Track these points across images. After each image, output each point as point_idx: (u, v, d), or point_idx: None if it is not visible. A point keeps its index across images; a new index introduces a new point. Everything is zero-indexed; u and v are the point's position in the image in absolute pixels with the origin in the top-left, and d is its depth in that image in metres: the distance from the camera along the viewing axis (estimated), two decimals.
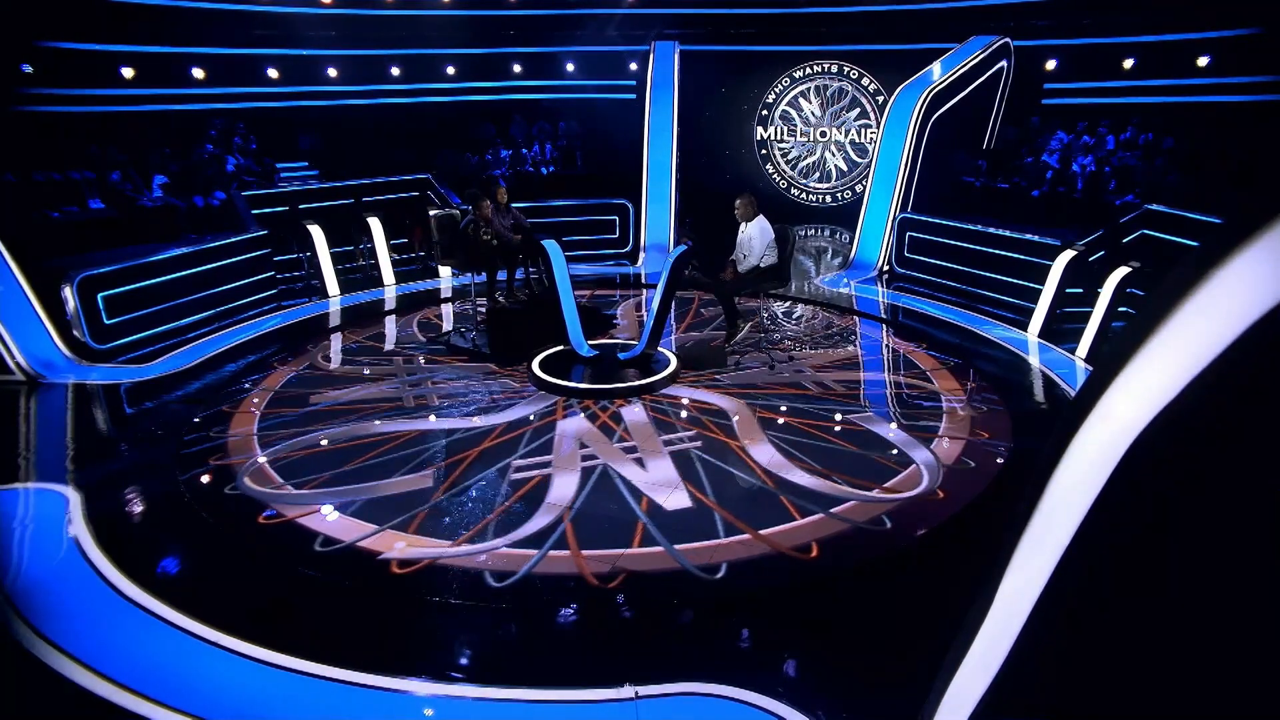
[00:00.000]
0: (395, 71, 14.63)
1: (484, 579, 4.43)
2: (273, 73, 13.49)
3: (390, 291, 11.23)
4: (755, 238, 7.53)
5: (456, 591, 4.32)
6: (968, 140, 13.37)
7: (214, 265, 9.66)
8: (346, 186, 12.34)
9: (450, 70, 15.03)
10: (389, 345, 8.80)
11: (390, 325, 9.63)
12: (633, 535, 4.85)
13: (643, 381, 7.21)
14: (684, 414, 6.74)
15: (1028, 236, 9.99)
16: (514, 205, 9.07)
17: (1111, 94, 13.03)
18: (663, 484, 5.50)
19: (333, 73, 14.08)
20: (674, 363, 7.57)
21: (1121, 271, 7.85)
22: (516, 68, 15.51)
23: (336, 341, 8.99)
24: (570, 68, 15.74)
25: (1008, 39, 13.34)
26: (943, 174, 12.79)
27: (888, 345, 8.79)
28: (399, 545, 4.77)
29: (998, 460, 5.88)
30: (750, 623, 4.09)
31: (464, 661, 3.84)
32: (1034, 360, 8.24)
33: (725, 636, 3.99)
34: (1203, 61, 11.63)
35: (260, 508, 5.25)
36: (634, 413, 6.75)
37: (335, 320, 9.90)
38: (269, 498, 5.37)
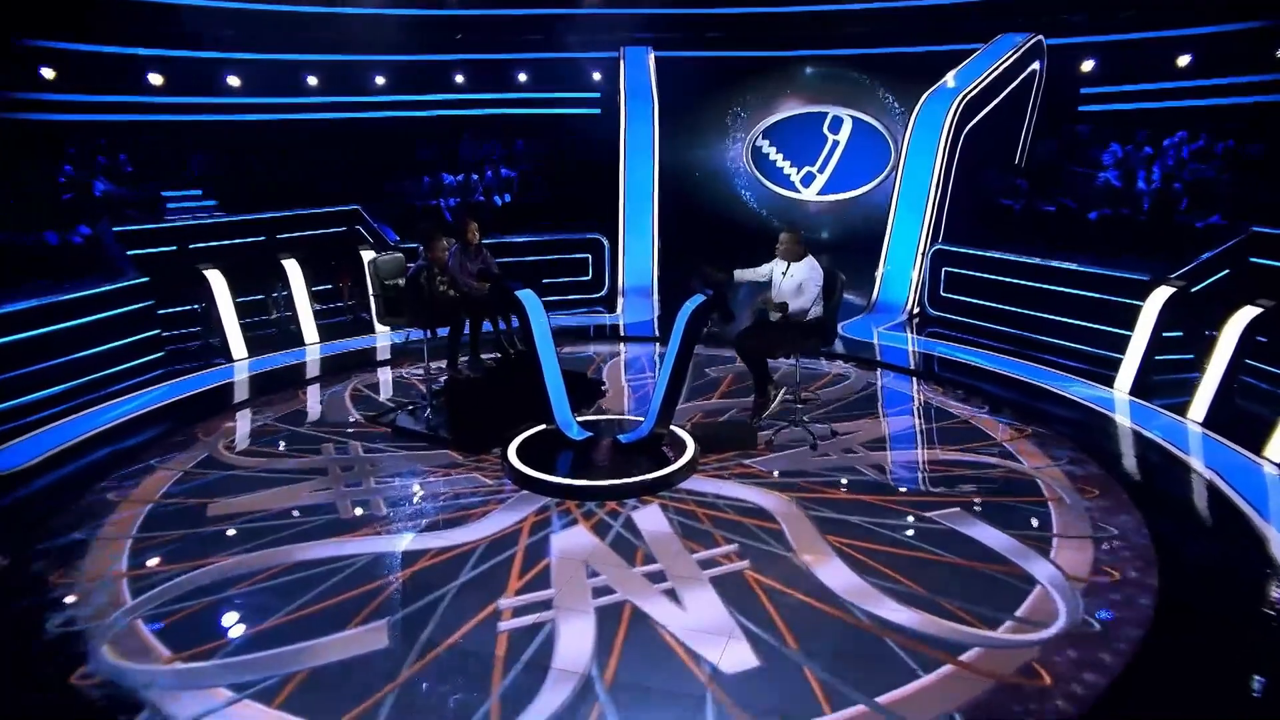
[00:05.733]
0: (312, 81, 13.98)
1: None
2: (156, 78, 12.58)
3: (313, 353, 10.43)
4: (809, 280, 6.76)
5: None
6: (1000, 156, 12.86)
7: (74, 323, 8.73)
8: (255, 221, 11.61)
9: (380, 80, 14.47)
10: (314, 428, 7.79)
11: (314, 398, 8.69)
12: None
13: (656, 474, 6.28)
14: (710, 519, 5.74)
15: (1106, 271, 9.43)
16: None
17: (1162, 96, 12.63)
18: (711, 630, 4.47)
19: (234, 81, 13.30)
20: (690, 446, 6.69)
21: (1248, 313, 7.11)
22: (460, 78, 14.97)
23: (243, 422, 8.03)
24: (523, 78, 15.11)
25: (1040, 36, 12.89)
26: (974, 196, 12.22)
27: (941, 409, 8.00)
28: None
29: (1149, 565, 4.99)
30: None
31: None
32: (1131, 424, 7.55)
33: None
34: None
35: (123, 701, 4.07)
36: (651, 519, 5.76)
37: (242, 392, 9.03)
38: (142, 678, 4.19)
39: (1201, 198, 10.12)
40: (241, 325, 10.27)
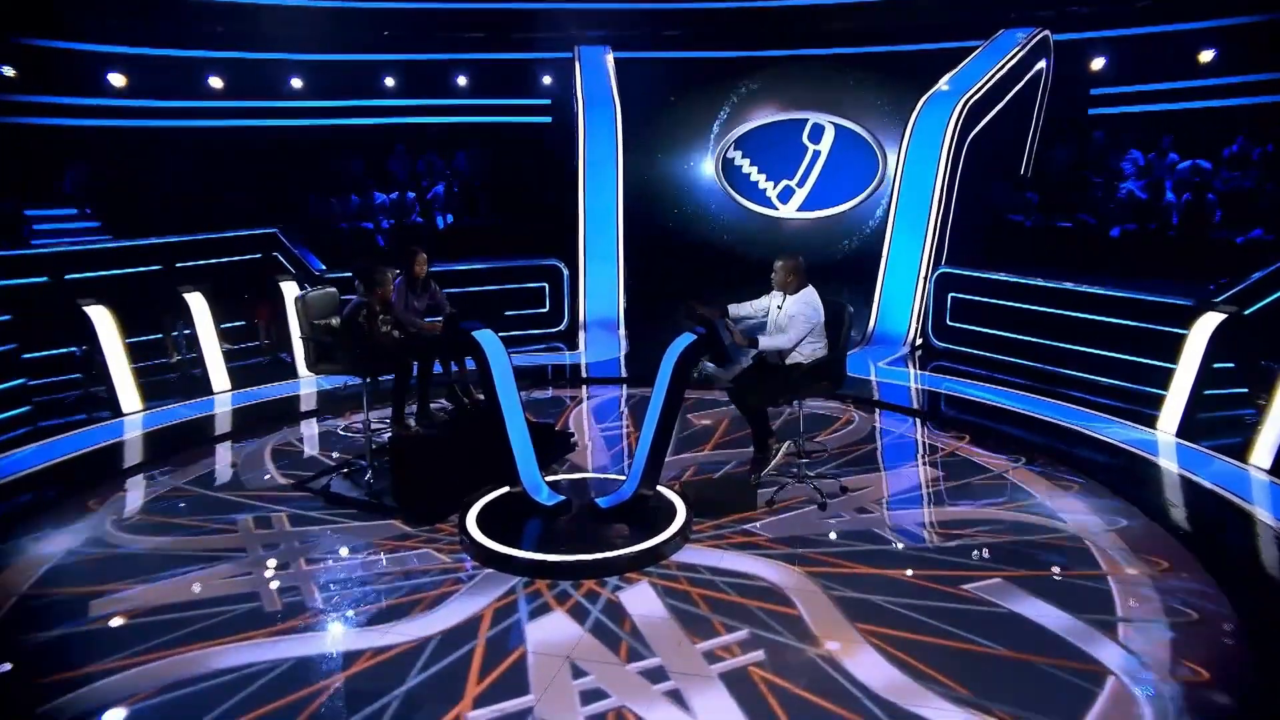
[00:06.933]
0: (216, 82, 13.85)
1: None
2: (9, 70, 12.28)
3: (224, 402, 10.22)
4: (798, 315, 6.66)
5: None
6: (1005, 166, 13.06)
7: None
8: (149, 246, 11.46)
9: (297, 82, 14.42)
10: (226, 493, 7.50)
11: (225, 459, 8.44)
12: None
13: (644, 545, 6.03)
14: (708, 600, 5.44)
15: (1139, 295, 9.46)
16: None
17: (1186, 96, 12.85)
18: None
19: (118, 80, 13.09)
20: (681, 509, 6.52)
21: None
22: (391, 81, 15.00)
23: (137, 490, 7.68)
24: (463, 81, 15.30)
25: (1046, 32, 13.14)
26: (980, 212, 12.33)
27: (965, 458, 7.89)
28: None
29: (1243, 653, 4.78)
30: None
31: None
32: (1180, 470, 7.51)
33: None
34: None
35: None
36: (640, 601, 5.46)
37: (135, 453, 8.72)
38: None
39: (1239, 210, 10.24)
40: (134, 371, 9.99)
